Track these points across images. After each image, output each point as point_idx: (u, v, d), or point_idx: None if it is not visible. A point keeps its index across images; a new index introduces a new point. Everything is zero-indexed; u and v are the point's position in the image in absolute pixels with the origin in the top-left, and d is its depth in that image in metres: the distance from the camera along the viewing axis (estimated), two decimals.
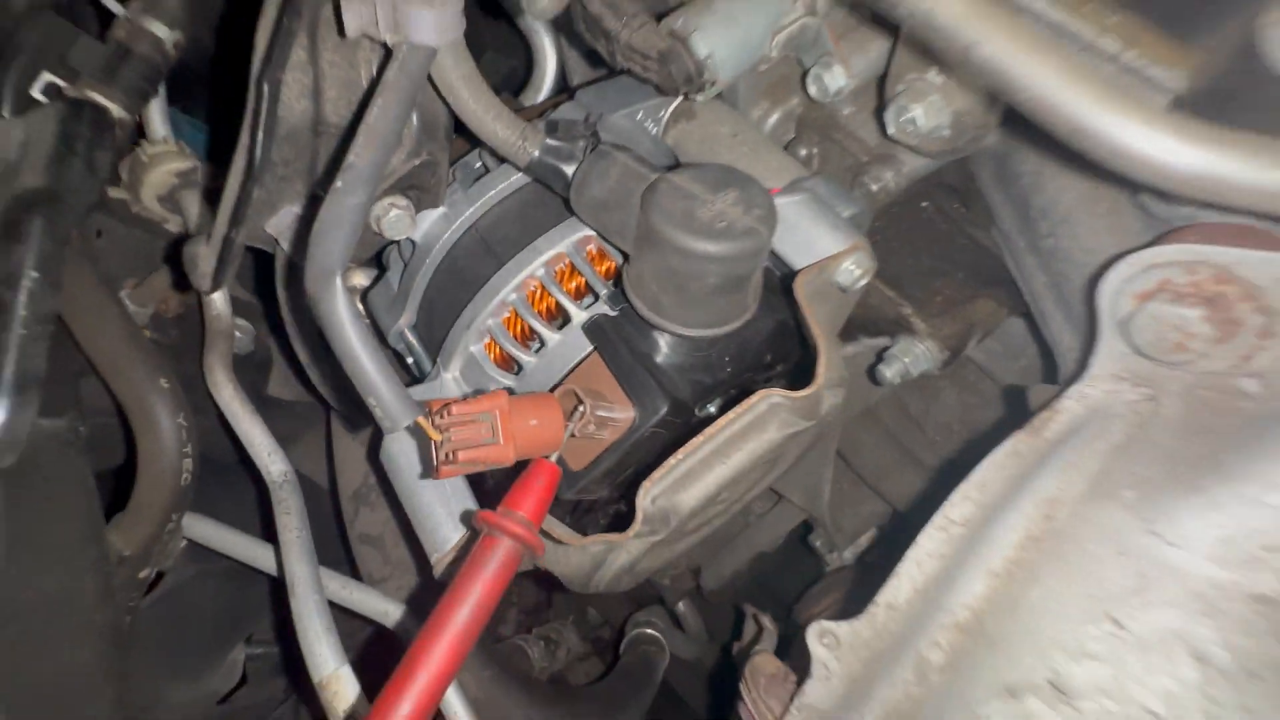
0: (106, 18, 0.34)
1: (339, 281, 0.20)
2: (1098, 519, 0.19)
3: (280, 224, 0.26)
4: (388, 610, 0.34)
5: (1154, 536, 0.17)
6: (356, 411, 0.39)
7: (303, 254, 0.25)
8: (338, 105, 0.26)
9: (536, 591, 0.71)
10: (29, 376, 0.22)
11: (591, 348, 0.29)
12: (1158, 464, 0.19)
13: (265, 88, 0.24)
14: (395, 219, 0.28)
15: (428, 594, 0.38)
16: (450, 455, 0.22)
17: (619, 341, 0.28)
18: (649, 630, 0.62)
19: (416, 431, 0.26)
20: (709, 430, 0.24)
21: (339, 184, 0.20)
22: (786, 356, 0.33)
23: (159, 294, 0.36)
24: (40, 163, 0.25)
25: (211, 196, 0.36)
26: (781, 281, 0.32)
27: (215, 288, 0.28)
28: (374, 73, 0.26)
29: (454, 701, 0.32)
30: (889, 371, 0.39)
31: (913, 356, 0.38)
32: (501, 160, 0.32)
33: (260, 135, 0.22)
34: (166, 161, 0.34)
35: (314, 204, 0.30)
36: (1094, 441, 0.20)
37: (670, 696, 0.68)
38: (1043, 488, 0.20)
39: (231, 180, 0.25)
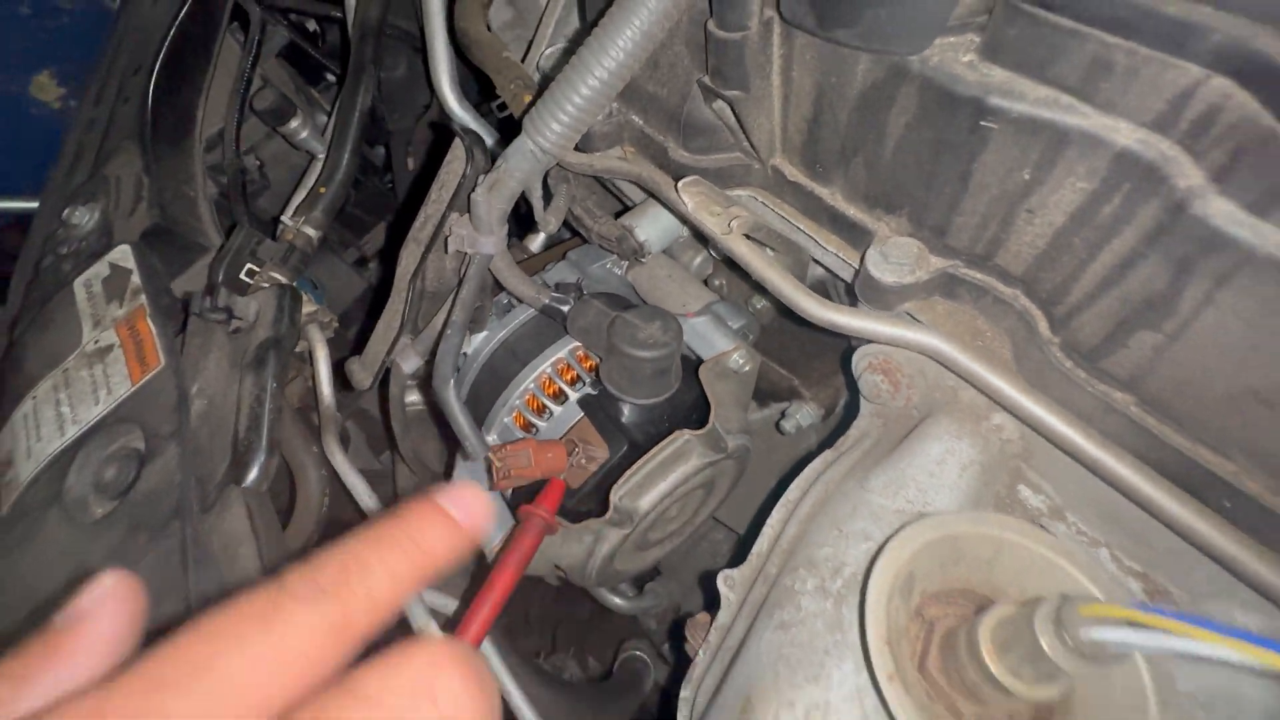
0: None
1: (451, 384, 0.38)
2: (845, 486, 0.36)
3: (399, 349, 0.45)
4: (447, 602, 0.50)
5: (863, 489, 0.35)
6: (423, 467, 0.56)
7: (415, 367, 0.43)
8: (440, 280, 0.45)
9: (540, 634, 0.84)
10: (273, 442, 0.39)
11: (581, 414, 0.47)
12: (876, 455, 0.37)
13: (421, 277, 0.43)
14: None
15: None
16: (505, 473, 0.39)
17: (598, 409, 0.46)
18: (637, 652, 0.75)
19: (483, 465, 0.43)
20: (649, 454, 0.42)
21: (449, 331, 0.39)
22: (706, 416, 0.51)
23: (296, 393, 0.54)
24: (268, 321, 0.44)
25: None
26: (695, 368, 0.51)
27: (369, 388, 0.46)
28: (460, 267, 0.46)
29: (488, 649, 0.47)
30: (788, 425, 0.57)
31: (802, 414, 0.57)
32: (521, 301, 0.51)
33: (411, 299, 0.41)
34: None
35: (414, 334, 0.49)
36: (856, 449, 0.38)
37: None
38: (830, 476, 0.38)
39: (383, 326, 0.44)
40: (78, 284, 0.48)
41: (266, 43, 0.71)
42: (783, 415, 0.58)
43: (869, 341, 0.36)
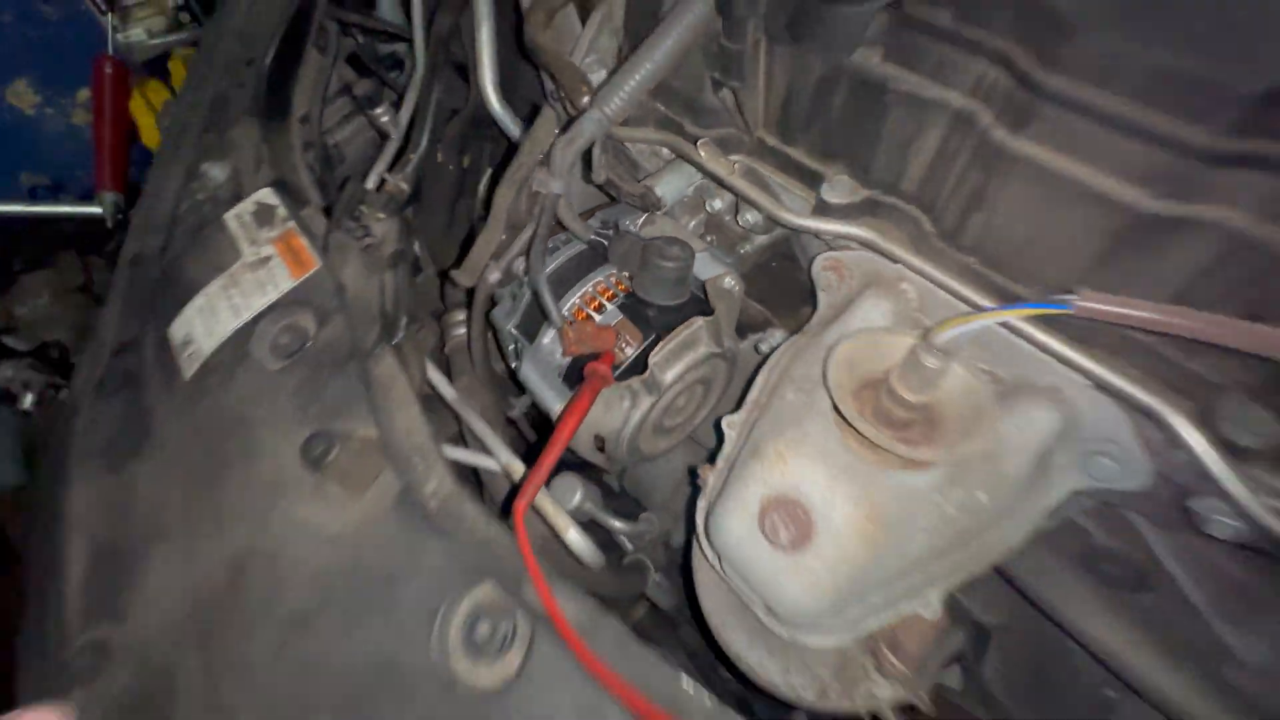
0: None
1: (543, 275, 0.54)
2: (809, 344, 0.54)
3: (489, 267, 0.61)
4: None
5: (821, 340, 0.52)
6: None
7: (498, 278, 0.59)
8: (518, 215, 0.62)
9: None
10: (411, 311, 0.54)
11: (621, 316, 0.63)
12: (829, 324, 0.55)
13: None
14: None
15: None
16: (574, 340, 0.55)
17: (633, 310, 0.62)
18: (640, 557, 0.89)
19: (545, 348, 0.59)
20: (672, 334, 0.58)
21: (536, 240, 0.55)
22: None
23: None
24: (394, 239, 0.59)
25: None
26: (701, 289, 0.68)
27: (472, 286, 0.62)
28: (534, 206, 0.62)
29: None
30: (763, 346, 0.74)
31: (774, 338, 0.75)
32: (572, 239, 0.68)
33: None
34: None
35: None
36: (818, 325, 0.56)
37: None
38: (800, 342, 0.55)
39: (481, 242, 0.60)
40: (228, 216, 0.62)
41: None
42: (760, 341, 0.76)
43: (828, 249, 0.54)
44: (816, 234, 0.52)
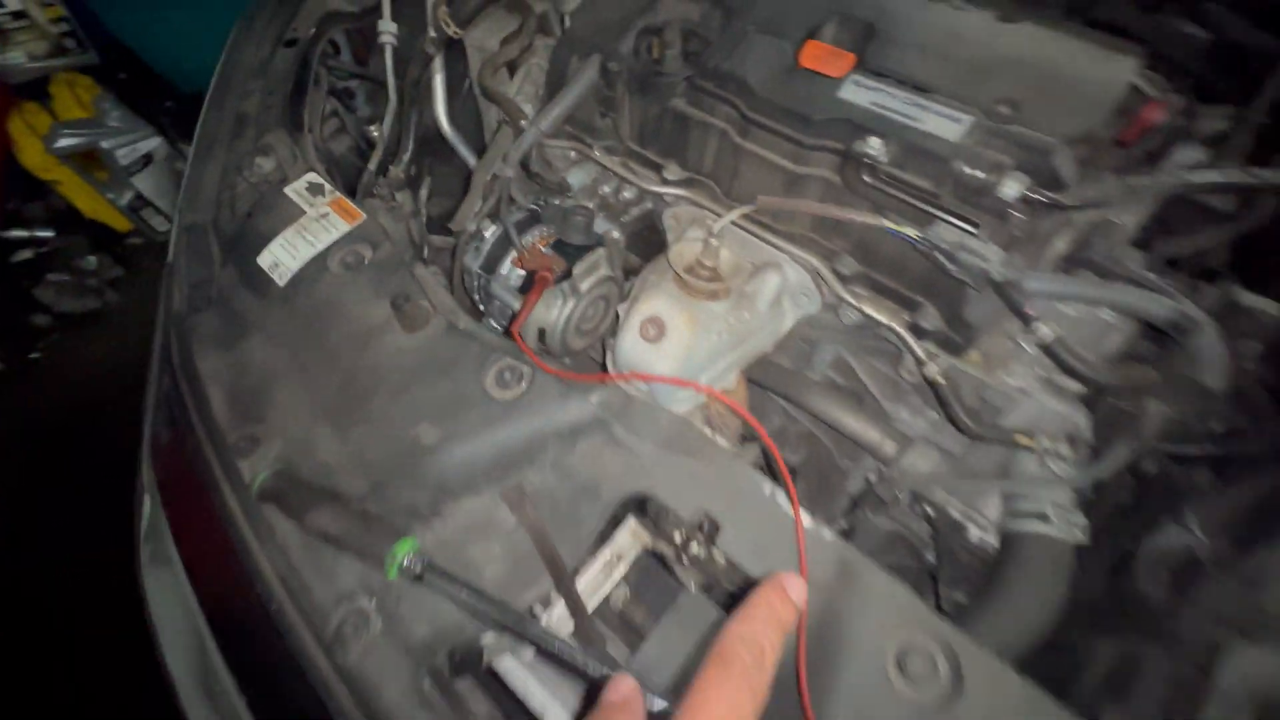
0: None
1: (512, 228, 0.92)
2: (653, 268, 0.96)
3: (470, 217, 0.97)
4: None
5: (650, 271, 0.95)
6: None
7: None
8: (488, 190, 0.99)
9: None
10: (432, 246, 0.90)
11: (553, 251, 1.02)
12: None
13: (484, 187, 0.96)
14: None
15: None
16: (526, 255, 0.93)
17: (559, 247, 1.02)
18: None
19: (504, 273, 0.96)
20: (585, 258, 0.99)
21: (503, 213, 0.92)
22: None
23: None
24: (411, 202, 0.94)
25: None
26: (599, 240, 1.09)
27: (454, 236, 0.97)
28: (496, 188, 1.00)
29: None
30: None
31: None
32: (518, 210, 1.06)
33: (503, 206, 0.94)
34: None
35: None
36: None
37: None
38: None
39: (465, 205, 0.95)
40: (287, 190, 0.94)
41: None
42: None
43: (669, 208, 0.97)
44: (662, 196, 0.96)
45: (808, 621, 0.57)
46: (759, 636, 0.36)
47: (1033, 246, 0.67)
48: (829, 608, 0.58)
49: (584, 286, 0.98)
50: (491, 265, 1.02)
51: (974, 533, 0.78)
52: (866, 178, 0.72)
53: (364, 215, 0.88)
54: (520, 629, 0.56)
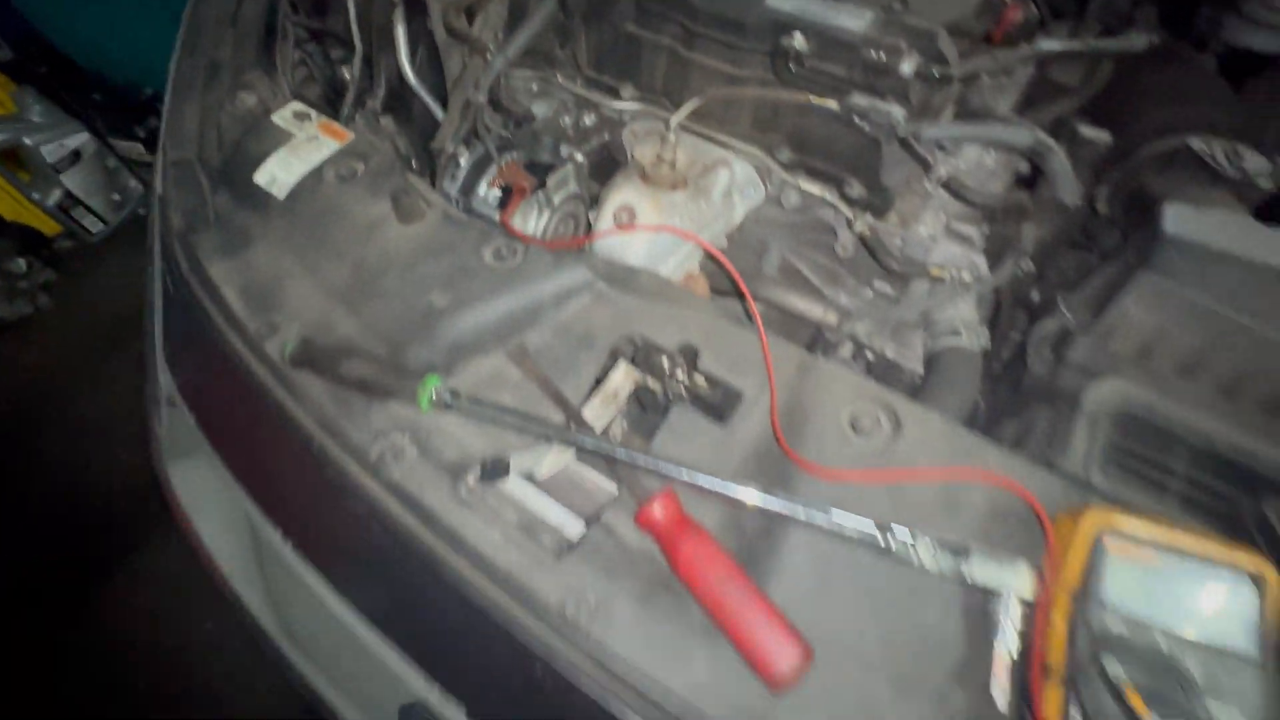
0: None
1: (492, 146, 1.02)
2: (619, 175, 1.09)
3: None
4: None
5: (618, 177, 1.07)
6: None
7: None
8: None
9: None
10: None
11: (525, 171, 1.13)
12: None
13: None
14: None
15: None
16: (505, 170, 1.03)
17: (530, 166, 1.12)
18: None
19: (490, 188, 1.06)
20: (557, 171, 1.10)
21: (481, 133, 1.03)
22: None
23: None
24: (394, 122, 1.03)
25: None
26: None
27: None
28: (471, 111, 1.10)
29: None
30: None
31: None
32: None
33: (481, 127, 1.03)
34: None
35: None
36: None
37: None
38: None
39: (443, 130, 1.05)
40: (274, 117, 1.01)
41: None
42: None
43: (627, 127, 1.09)
44: (620, 112, 1.08)
45: (780, 407, 0.70)
46: None
47: (929, 112, 0.83)
48: (794, 396, 0.72)
49: (557, 199, 1.09)
50: (469, 189, 1.12)
51: (907, 369, 0.94)
52: (793, 67, 0.87)
53: (352, 135, 0.97)
54: (553, 434, 0.67)
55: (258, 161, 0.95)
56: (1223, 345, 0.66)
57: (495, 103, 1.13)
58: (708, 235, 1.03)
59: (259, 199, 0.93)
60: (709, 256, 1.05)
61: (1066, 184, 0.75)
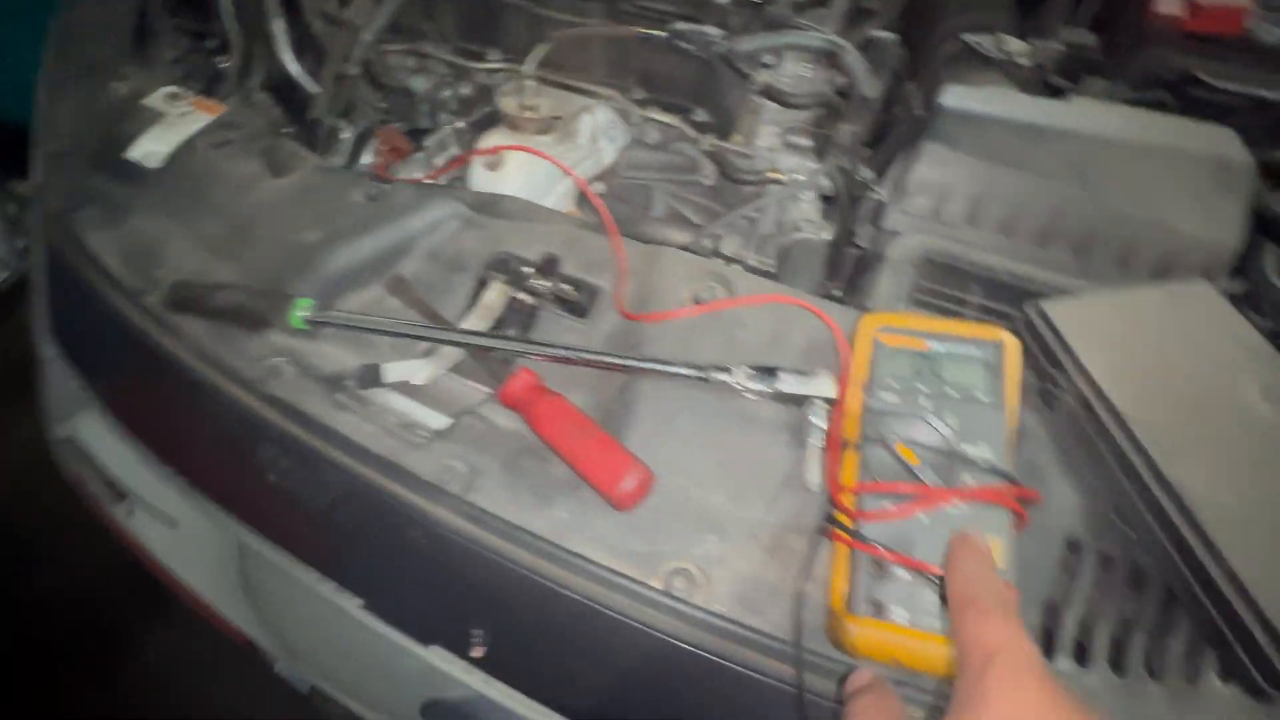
0: None
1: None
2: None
3: None
4: None
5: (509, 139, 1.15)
6: None
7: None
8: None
9: None
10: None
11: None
12: None
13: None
14: None
15: None
16: (382, 139, 1.09)
17: (408, 134, 1.19)
18: None
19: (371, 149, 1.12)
20: (431, 133, 1.17)
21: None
22: None
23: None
24: (263, 103, 1.08)
25: None
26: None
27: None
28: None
29: None
30: None
31: None
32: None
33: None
34: None
35: None
36: None
37: None
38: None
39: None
40: (145, 101, 1.05)
41: None
42: None
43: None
44: (490, 73, 1.16)
45: (631, 294, 0.78)
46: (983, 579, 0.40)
47: (746, 34, 0.94)
48: (644, 280, 0.79)
49: (438, 161, 1.16)
50: (353, 162, 1.17)
51: (764, 271, 1.04)
52: (625, 8, 0.96)
53: (226, 107, 1.01)
54: (420, 333, 0.73)
55: (133, 139, 0.99)
56: (997, 193, 0.77)
57: (373, 79, 1.19)
58: (589, 167, 1.11)
59: (135, 174, 0.96)
60: (583, 198, 1.13)
61: (863, 77, 0.85)
